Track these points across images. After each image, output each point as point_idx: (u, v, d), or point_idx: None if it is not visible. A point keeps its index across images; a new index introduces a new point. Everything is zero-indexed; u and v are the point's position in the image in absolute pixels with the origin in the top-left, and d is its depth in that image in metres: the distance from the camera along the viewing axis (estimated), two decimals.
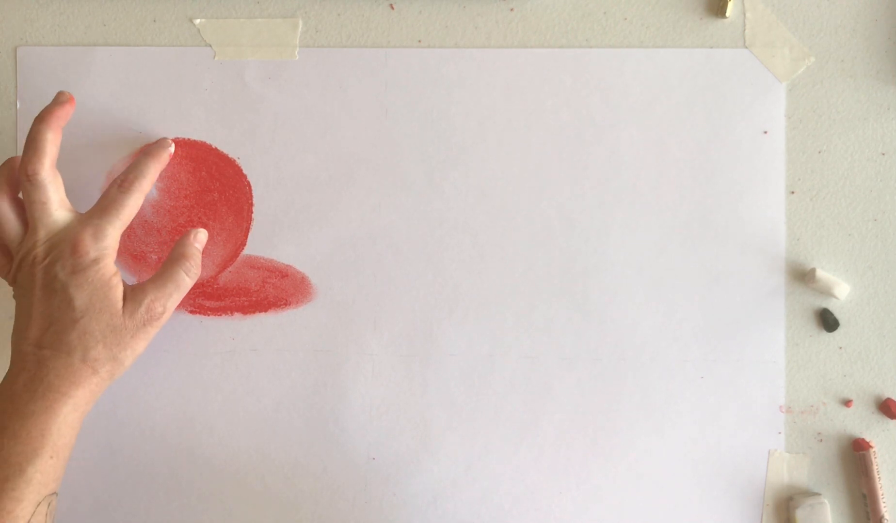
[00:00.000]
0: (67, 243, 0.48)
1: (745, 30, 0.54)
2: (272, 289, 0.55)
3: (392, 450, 0.55)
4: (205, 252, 0.55)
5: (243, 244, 0.55)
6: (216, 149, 0.55)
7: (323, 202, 0.55)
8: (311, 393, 0.55)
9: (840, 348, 0.54)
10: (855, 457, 0.54)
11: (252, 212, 0.55)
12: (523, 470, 0.54)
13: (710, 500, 0.54)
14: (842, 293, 0.53)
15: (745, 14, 0.54)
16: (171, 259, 0.51)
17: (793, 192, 0.54)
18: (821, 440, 0.54)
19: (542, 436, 0.54)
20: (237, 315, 0.55)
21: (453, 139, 0.55)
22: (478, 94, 0.55)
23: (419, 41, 0.55)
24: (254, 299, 0.55)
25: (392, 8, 0.55)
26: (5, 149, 0.55)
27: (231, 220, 0.55)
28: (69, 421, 0.47)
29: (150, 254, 0.55)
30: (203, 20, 0.55)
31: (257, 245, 0.55)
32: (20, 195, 0.50)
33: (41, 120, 0.49)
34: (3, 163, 0.51)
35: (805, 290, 0.54)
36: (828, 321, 0.54)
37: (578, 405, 0.54)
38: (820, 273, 0.53)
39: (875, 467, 0.53)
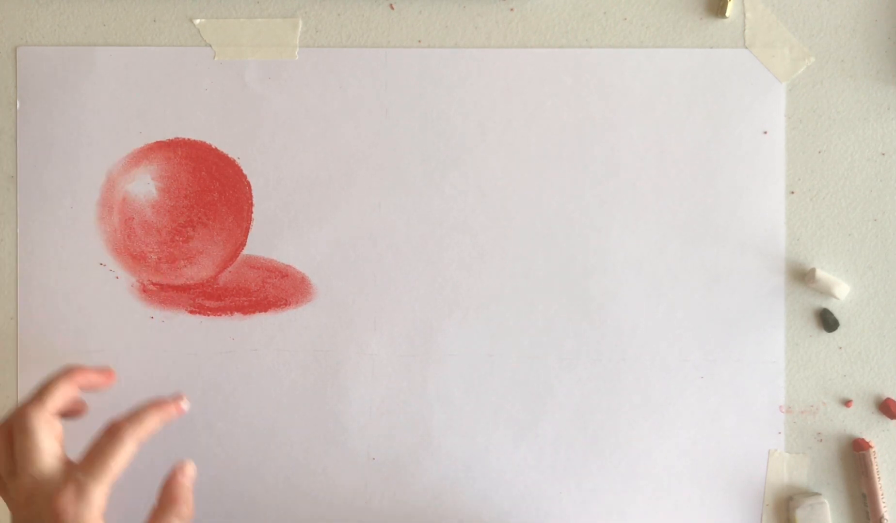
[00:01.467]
0: (47, 504, 0.45)
1: (745, 30, 0.54)
2: (272, 289, 0.55)
3: (392, 450, 0.55)
4: (205, 252, 0.55)
5: (243, 244, 0.55)
6: (216, 149, 0.55)
7: (323, 202, 0.55)
8: (311, 393, 0.55)
9: (840, 348, 0.54)
10: (855, 457, 0.54)
11: (252, 212, 0.55)
12: (523, 470, 0.54)
13: (710, 500, 0.54)
14: (842, 293, 0.53)
15: (745, 14, 0.54)
16: (162, 506, 0.48)
17: (793, 192, 0.54)
18: (821, 440, 0.54)
19: (542, 436, 0.54)
20: (237, 315, 0.55)
21: (453, 139, 0.55)
22: (478, 94, 0.54)
23: (419, 41, 0.55)
24: (254, 299, 0.55)
25: (392, 8, 0.55)
26: (5, 149, 0.55)
27: (231, 220, 0.55)
28: None
29: (150, 255, 0.55)
30: (203, 20, 0.55)
31: (257, 245, 0.55)
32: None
33: (67, 375, 0.49)
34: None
35: (805, 290, 0.54)
36: (828, 321, 0.54)
37: (578, 405, 0.54)
38: (820, 273, 0.53)
39: (875, 467, 0.53)
